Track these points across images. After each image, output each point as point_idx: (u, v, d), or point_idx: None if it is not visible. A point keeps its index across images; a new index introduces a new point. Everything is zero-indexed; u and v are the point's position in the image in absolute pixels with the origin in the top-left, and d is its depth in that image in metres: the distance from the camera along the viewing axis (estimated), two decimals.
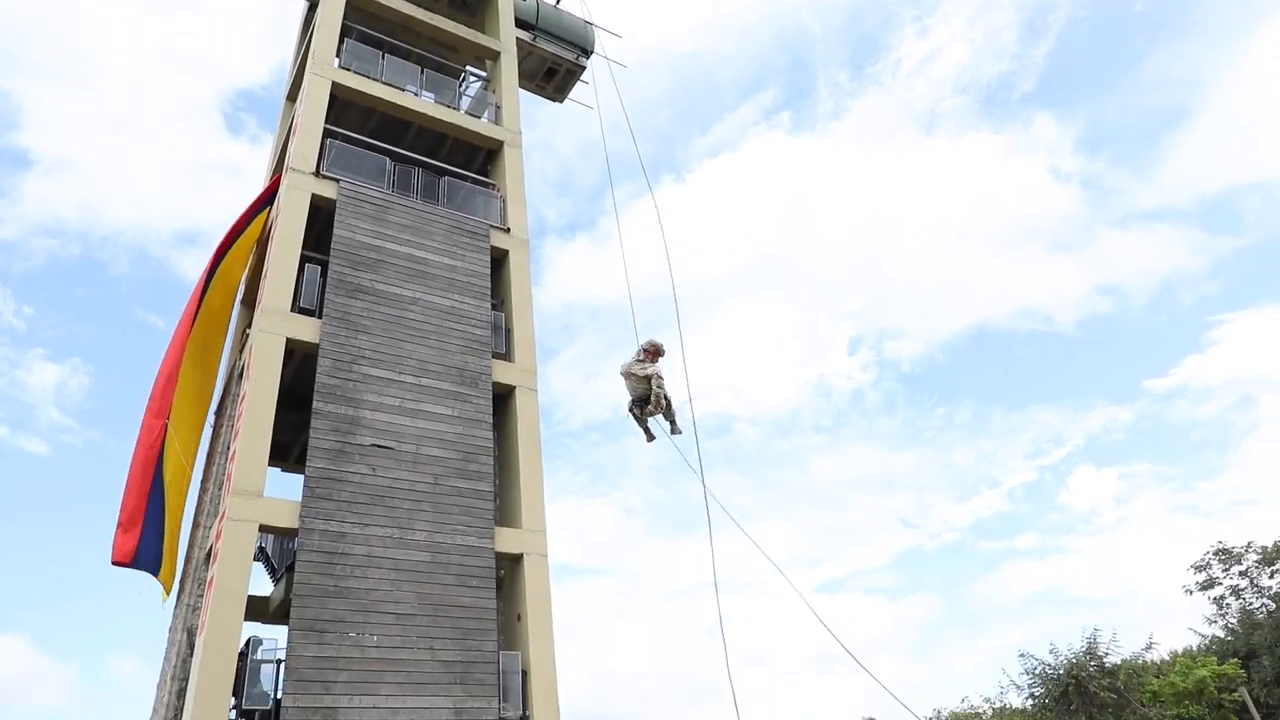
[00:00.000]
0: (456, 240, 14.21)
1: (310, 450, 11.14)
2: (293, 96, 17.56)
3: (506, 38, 18.36)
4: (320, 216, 13.54)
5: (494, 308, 14.24)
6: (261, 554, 13.63)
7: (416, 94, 16.26)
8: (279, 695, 9.74)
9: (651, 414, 11.72)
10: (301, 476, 11.07)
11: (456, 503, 11.78)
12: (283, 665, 9.87)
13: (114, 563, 11.88)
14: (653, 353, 11.80)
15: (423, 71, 16.62)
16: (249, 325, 13.68)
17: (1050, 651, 30.77)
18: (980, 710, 35.58)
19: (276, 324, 11.87)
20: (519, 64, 18.56)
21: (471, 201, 15.23)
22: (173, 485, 12.39)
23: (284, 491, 11.45)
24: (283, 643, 10.04)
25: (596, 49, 20.66)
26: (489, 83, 18.28)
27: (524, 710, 11.09)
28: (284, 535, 11.91)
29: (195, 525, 12.97)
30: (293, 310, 12.18)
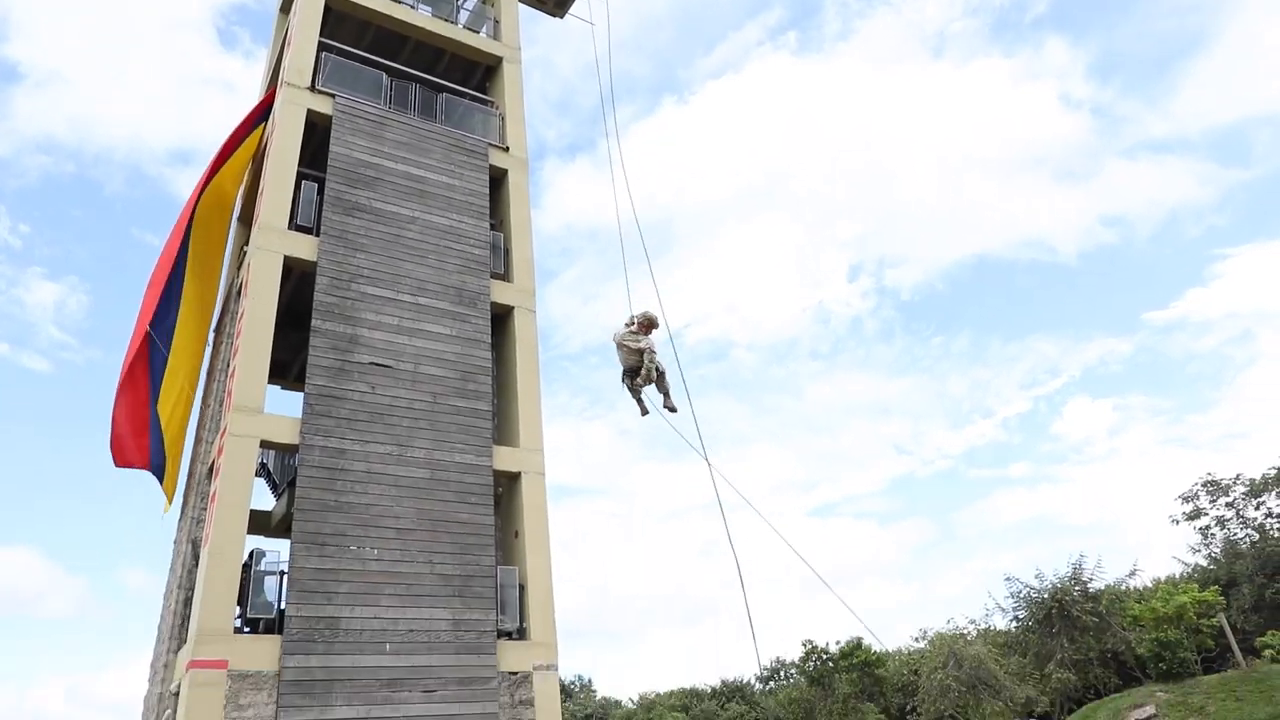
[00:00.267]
0: (455, 158, 14.02)
1: (310, 368, 11.20)
2: (286, 8, 17.09)
3: None
4: (316, 133, 13.33)
5: (492, 228, 14.14)
6: (263, 470, 13.83)
7: (413, 7, 15.83)
8: (282, 605, 10.02)
9: (644, 385, 11.09)
10: (301, 394, 11.15)
11: (455, 421, 11.90)
12: (285, 577, 10.11)
13: (117, 465, 12.17)
14: (645, 324, 11.16)
15: None
16: (246, 243, 13.60)
17: (1036, 576, 31.56)
18: (965, 631, 36.56)
19: (274, 241, 11.80)
20: None
21: (470, 119, 14.97)
22: (168, 397, 12.49)
23: (284, 409, 11.58)
24: (285, 555, 10.28)
25: None
26: None
27: (521, 622, 11.43)
28: (285, 451, 12.08)
29: (197, 440, 13.13)
30: (290, 228, 12.10)
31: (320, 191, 12.52)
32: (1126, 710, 23.73)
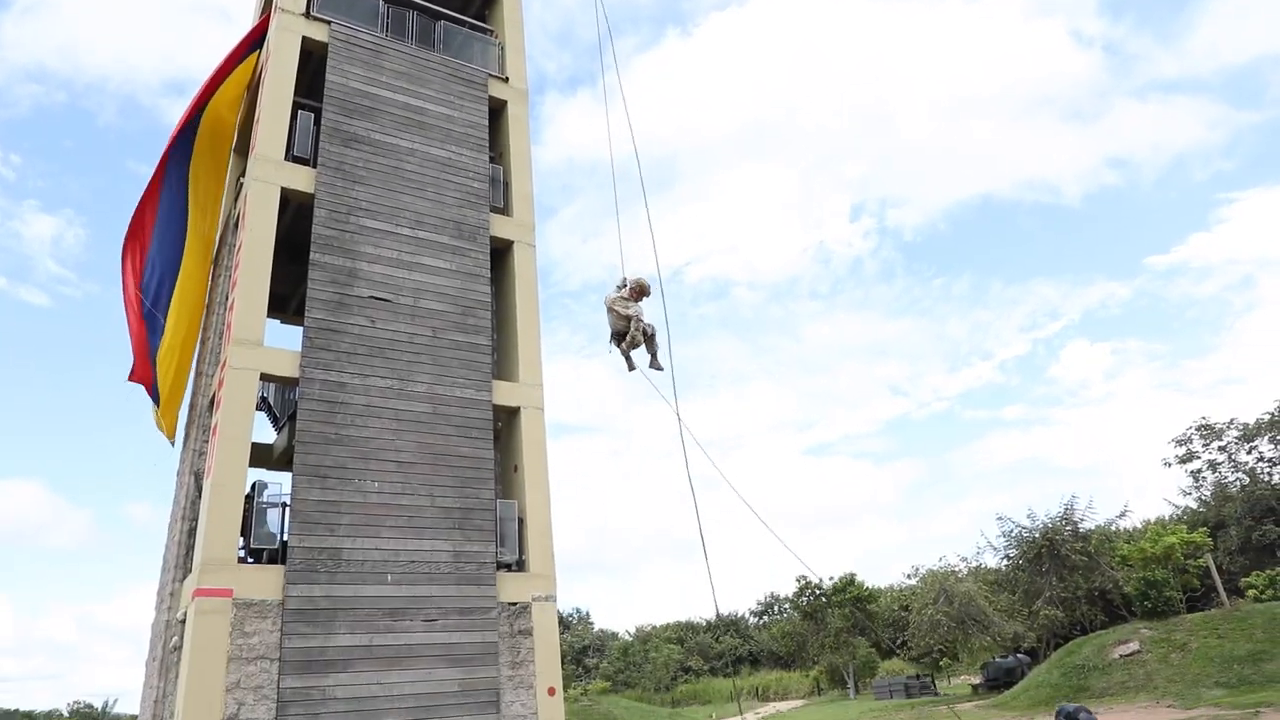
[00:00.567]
0: (453, 89, 13.75)
1: (309, 301, 11.15)
2: None
3: None
4: (312, 61, 13.03)
5: (492, 160, 13.94)
6: (264, 403, 13.87)
7: None
8: (285, 536, 10.15)
9: (630, 350, 11.22)
10: (301, 328, 11.13)
11: (455, 355, 11.90)
12: (287, 508, 10.22)
13: (129, 380, 12.41)
14: (636, 291, 11.19)
15: None
16: (243, 174, 13.41)
17: (1027, 516, 32.02)
18: (956, 569, 37.20)
19: (270, 172, 11.63)
20: None
21: (469, 49, 14.63)
22: (177, 329, 12.55)
23: (284, 342, 11.56)
24: (287, 488, 10.38)
25: None
26: None
27: (520, 554, 11.60)
28: (285, 385, 12.10)
29: (198, 373, 13.14)
30: (286, 159, 11.91)
31: (317, 122, 12.30)
32: (1111, 645, 24.30)
